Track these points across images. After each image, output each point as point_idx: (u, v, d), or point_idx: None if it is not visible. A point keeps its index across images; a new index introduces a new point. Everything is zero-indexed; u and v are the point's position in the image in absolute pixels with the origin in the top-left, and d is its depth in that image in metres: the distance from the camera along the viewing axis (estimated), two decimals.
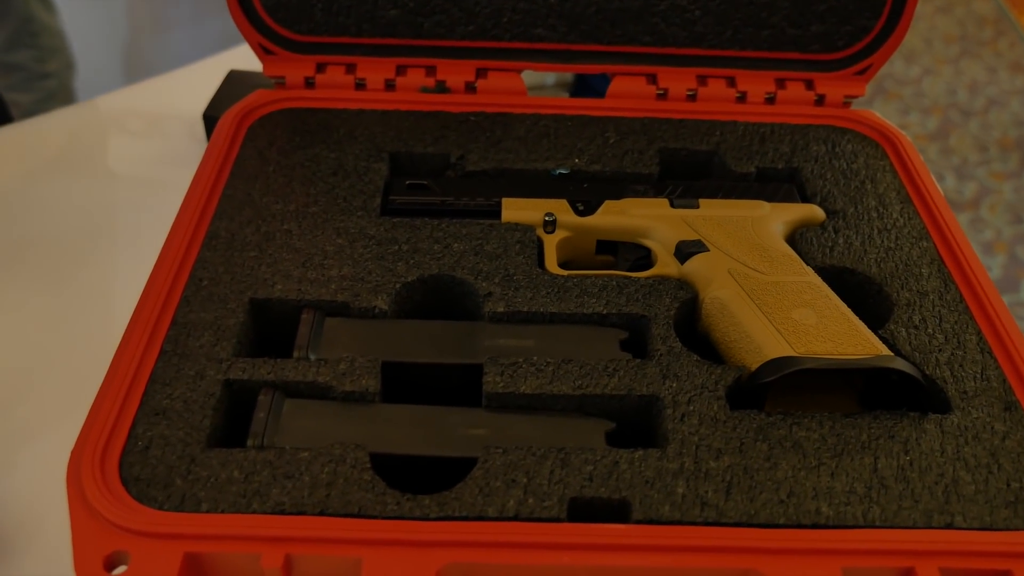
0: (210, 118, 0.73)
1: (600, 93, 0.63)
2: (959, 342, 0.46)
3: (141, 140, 0.81)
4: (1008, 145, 2.08)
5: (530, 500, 0.39)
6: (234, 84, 0.75)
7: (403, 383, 0.45)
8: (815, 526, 0.38)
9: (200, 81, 0.85)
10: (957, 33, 2.47)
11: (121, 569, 0.36)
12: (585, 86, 0.92)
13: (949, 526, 0.38)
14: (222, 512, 0.38)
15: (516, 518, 0.38)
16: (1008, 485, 0.40)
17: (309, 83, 0.61)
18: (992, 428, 0.42)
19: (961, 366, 0.45)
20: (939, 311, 0.48)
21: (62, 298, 0.65)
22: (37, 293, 0.66)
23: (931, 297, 0.49)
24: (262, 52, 0.61)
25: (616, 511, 0.39)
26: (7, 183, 0.76)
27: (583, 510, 0.39)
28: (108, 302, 0.66)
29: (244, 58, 0.90)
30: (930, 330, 0.47)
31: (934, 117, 2.17)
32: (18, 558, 0.50)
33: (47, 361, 0.61)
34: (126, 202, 0.74)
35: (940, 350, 0.46)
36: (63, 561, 0.48)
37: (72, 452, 0.40)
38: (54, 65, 1.29)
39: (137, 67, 1.71)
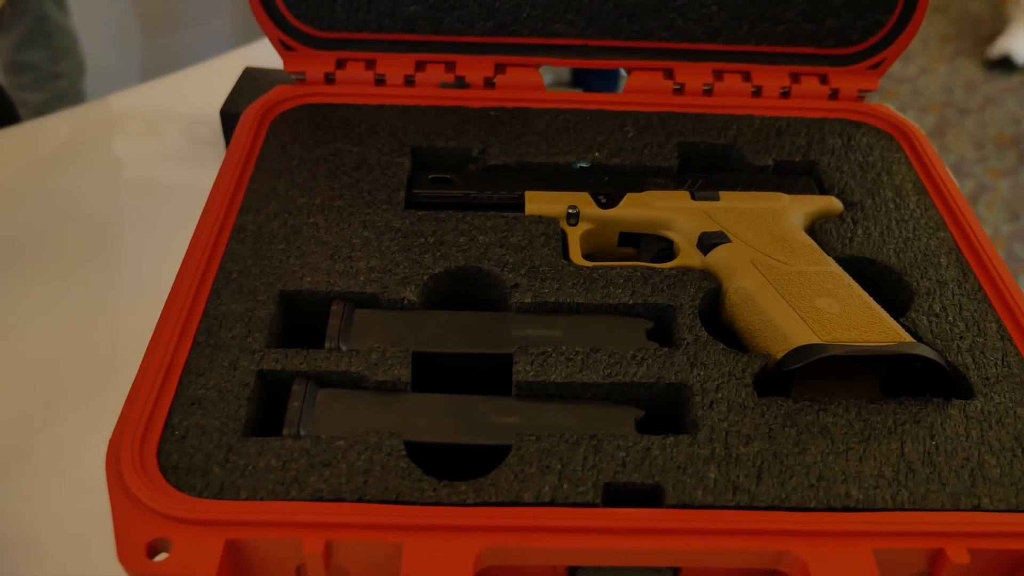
0: (227, 115, 0.73)
1: None
2: (979, 329, 0.47)
3: (156, 137, 0.82)
4: (1004, 142, 2.10)
5: (565, 486, 0.39)
6: (250, 81, 0.75)
7: (433, 373, 0.46)
8: (846, 509, 0.39)
9: (212, 79, 0.85)
10: (953, 32, 2.49)
11: (163, 556, 0.37)
12: (584, 89, 0.93)
13: (976, 508, 0.39)
14: (261, 500, 0.38)
15: (552, 503, 0.39)
16: None
17: (329, 79, 0.62)
18: (1015, 413, 0.43)
19: (982, 353, 0.46)
20: (959, 299, 0.49)
21: (80, 295, 0.66)
22: (54, 290, 0.66)
23: (950, 286, 0.50)
24: (282, 48, 0.61)
25: (650, 496, 0.40)
26: (22, 180, 0.76)
27: (617, 495, 0.39)
28: (127, 298, 0.67)
29: (255, 56, 0.91)
30: (950, 318, 0.48)
31: (931, 115, 2.19)
32: (38, 554, 0.50)
33: (64, 358, 0.61)
34: (143, 199, 0.74)
35: (961, 337, 0.47)
36: (79, 560, 0.49)
37: (110, 442, 0.40)
38: (66, 66, 1.29)
39: (144, 68, 1.71)
